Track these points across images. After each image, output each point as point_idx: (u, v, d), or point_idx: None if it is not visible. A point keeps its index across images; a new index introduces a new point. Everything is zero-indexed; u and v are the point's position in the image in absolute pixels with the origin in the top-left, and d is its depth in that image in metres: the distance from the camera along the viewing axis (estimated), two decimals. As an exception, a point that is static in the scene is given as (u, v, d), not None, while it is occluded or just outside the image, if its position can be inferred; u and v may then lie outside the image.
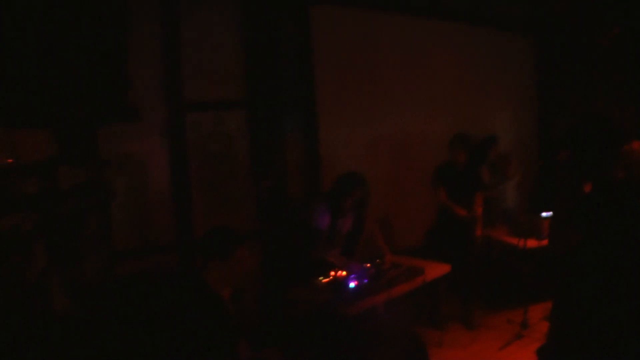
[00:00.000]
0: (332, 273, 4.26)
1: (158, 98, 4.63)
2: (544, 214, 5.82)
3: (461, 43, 6.90)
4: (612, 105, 6.68)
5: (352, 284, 4.03)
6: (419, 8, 6.40)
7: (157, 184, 4.68)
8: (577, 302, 2.89)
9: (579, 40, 7.35)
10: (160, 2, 4.59)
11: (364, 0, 5.90)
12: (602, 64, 7.12)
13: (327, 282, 4.17)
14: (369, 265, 4.45)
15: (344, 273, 4.25)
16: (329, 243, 4.58)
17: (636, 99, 6.63)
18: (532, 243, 5.40)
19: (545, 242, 5.55)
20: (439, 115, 6.61)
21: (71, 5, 3.74)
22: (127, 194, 4.53)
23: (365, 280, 4.13)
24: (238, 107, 5.08)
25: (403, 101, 6.30)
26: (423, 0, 6.46)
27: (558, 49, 7.70)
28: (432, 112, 6.57)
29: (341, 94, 5.75)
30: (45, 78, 3.83)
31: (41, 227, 2.85)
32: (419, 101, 6.45)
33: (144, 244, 4.57)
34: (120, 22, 4.20)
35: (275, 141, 5.22)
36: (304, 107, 5.43)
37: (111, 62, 4.26)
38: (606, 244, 2.77)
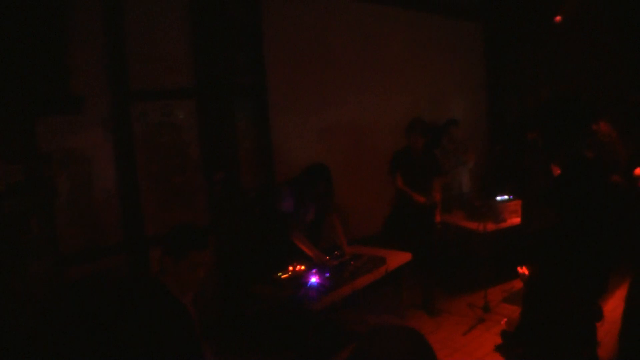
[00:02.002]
0: (291, 268, 4.13)
1: (102, 88, 4.35)
2: (499, 198, 5.86)
3: (413, 29, 6.87)
4: (563, 86, 6.77)
5: (313, 279, 3.90)
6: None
7: (102, 180, 4.40)
8: (553, 280, 2.87)
9: (524, 24, 7.44)
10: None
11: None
12: (548, 46, 7.22)
13: (287, 277, 4.03)
14: (328, 258, 4.35)
15: (303, 267, 4.13)
16: (298, 226, 4.44)
17: (585, 80, 6.73)
18: (490, 227, 5.41)
19: (502, 225, 5.62)
20: (394, 101, 6.55)
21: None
22: (70, 192, 4.23)
23: (327, 274, 4.01)
24: (187, 96, 4.85)
25: (357, 87, 6.21)
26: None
27: (505, 34, 7.79)
28: (387, 98, 6.51)
29: (293, 81, 5.59)
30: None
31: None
32: (373, 87, 6.37)
33: (92, 246, 4.29)
34: (59, 6, 3.89)
35: (226, 131, 5.02)
36: (254, 95, 5.24)
37: (49, 48, 3.97)
38: (580, 223, 2.75)
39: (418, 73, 6.94)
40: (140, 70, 4.54)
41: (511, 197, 5.92)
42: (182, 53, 4.80)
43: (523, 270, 3.28)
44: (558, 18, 6.94)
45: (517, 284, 5.70)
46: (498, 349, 4.46)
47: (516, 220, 5.80)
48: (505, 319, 4.57)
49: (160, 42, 4.67)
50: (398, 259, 4.68)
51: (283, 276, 4.06)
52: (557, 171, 3.00)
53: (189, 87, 4.85)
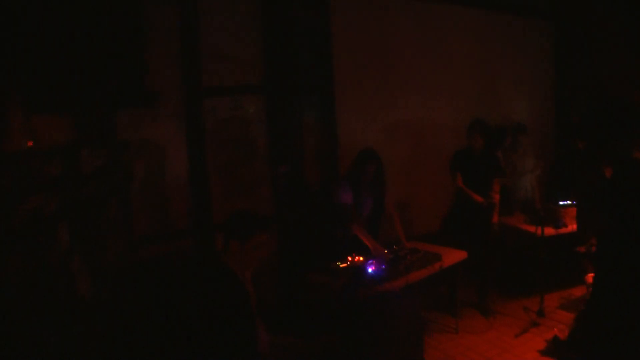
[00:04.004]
0: (350, 258, 4.26)
1: (176, 83, 4.65)
2: (561, 203, 5.79)
3: (478, 28, 6.85)
4: (632, 89, 6.58)
5: (370, 269, 4.04)
6: (438, -7, 6.35)
7: (174, 168, 4.70)
8: (615, 284, 2.88)
9: (595, 25, 7.26)
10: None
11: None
12: (618, 48, 7.03)
13: (345, 267, 4.17)
14: (386, 251, 4.46)
15: (361, 258, 4.26)
16: (356, 219, 4.59)
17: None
18: (549, 231, 5.37)
19: (562, 230, 5.54)
20: (457, 101, 6.57)
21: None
22: (145, 178, 4.55)
23: (384, 266, 4.13)
24: (256, 92, 5.08)
25: (421, 87, 6.28)
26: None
27: (575, 35, 7.61)
28: (450, 98, 6.54)
29: (359, 79, 5.73)
30: (63, 63, 3.86)
31: (64, 209, 2.86)
32: (436, 87, 6.42)
33: (163, 229, 4.59)
34: (137, 7, 4.21)
35: (292, 126, 5.21)
36: (321, 92, 5.42)
37: (128, 46, 4.30)
38: (635, 225, 2.77)
39: (483, 73, 6.93)
40: (212, 68, 4.80)
41: (574, 202, 5.83)
42: (252, 52, 5.03)
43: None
44: None
45: (576, 292, 5.63)
46: (548, 353, 4.45)
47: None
48: (556, 329, 4.56)
49: (231, 41, 4.91)
50: (454, 256, 4.74)
51: (341, 265, 4.20)
52: (608, 175, 3.00)
53: (258, 84, 5.08)
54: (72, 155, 3.30)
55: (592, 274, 3.30)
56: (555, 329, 4.52)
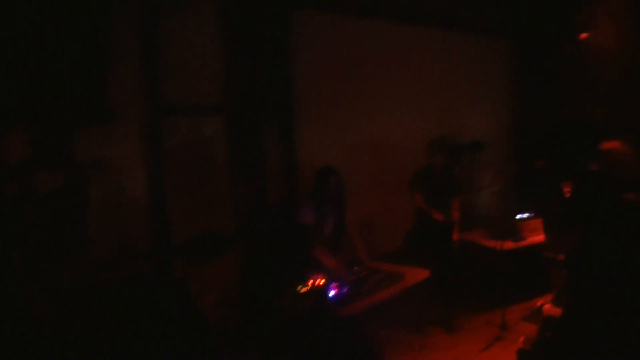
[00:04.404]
0: (310, 282, 4.23)
1: (135, 101, 4.53)
2: (519, 216, 5.90)
3: (439, 48, 6.96)
4: (587, 107, 6.77)
5: (331, 293, 4.01)
6: (398, 13, 6.42)
7: (133, 189, 4.57)
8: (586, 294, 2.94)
9: (551, 44, 7.47)
10: (139, 3, 4.50)
11: (344, 5, 5.88)
12: (573, 67, 7.24)
13: (306, 291, 4.13)
14: (348, 272, 4.44)
15: (323, 281, 4.22)
16: (318, 239, 4.55)
17: (610, 99, 6.74)
18: (509, 245, 5.46)
19: (521, 243, 5.65)
20: (418, 120, 6.64)
21: (46, 5, 3.64)
22: (102, 199, 4.40)
23: (345, 289, 4.11)
24: (216, 110, 5.01)
25: (383, 106, 6.31)
26: (401, 6, 6.48)
27: (532, 54, 7.82)
28: (412, 117, 6.60)
29: (321, 98, 5.73)
30: (17, 79, 3.73)
31: (19, 231, 2.76)
32: (398, 105, 6.47)
33: (121, 252, 4.46)
34: (98, 23, 4.11)
35: (253, 146, 5.16)
36: (282, 112, 5.38)
37: (87, 63, 4.18)
38: (602, 236, 2.82)
39: (443, 92, 7.02)
40: (172, 86, 4.71)
41: (531, 215, 5.96)
42: (213, 69, 4.97)
43: None
44: (584, 35, 6.96)
45: (537, 303, 5.71)
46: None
47: (536, 238, 5.83)
48: (523, 337, 4.59)
49: (192, 59, 4.84)
50: (416, 275, 4.75)
51: (302, 289, 4.16)
52: (567, 189, 3.07)
53: (218, 103, 5.01)
54: (27, 176, 3.19)
55: (548, 305, 3.37)
56: (520, 341, 4.56)
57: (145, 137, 4.60)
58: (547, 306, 3.63)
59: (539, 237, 5.83)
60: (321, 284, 4.19)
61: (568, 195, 3.08)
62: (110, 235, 4.44)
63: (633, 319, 2.96)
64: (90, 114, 4.27)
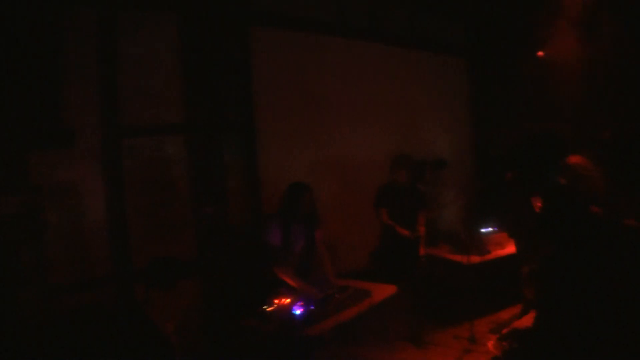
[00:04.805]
0: (276, 301, 4.17)
1: (93, 122, 4.46)
2: (483, 230, 5.96)
3: (399, 66, 7.03)
4: (548, 122, 6.92)
5: (297, 311, 3.95)
6: (358, 31, 6.49)
7: (92, 212, 4.47)
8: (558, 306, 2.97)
9: (509, 61, 7.64)
10: (96, 22, 4.44)
11: (304, 22, 5.91)
12: (532, 84, 7.41)
13: (272, 310, 4.07)
14: (315, 290, 4.39)
15: (289, 300, 4.16)
16: (284, 259, 4.47)
17: (569, 115, 6.91)
18: (475, 258, 5.50)
19: (487, 257, 5.70)
20: (381, 137, 6.67)
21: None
22: (60, 223, 4.29)
23: (312, 307, 4.06)
24: (177, 131, 4.95)
25: (344, 123, 6.33)
26: (361, 23, 6.55)
27: (489, 70, 7.98)
28: (374, 133, 6.63)
29: (282, 116, 5.71)
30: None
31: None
32: (360, 123, 6.49)
33: (80, 277, 4.33)
34: (53, 43, 4.03)
35: (214, 166, 5.10)
36: (243, 131, 5.33)
37: (41, 84, 4.08)
38: (572, 249, 2.87)
39: (405, 109, 7.08)
40: (131, 106, 4.65)
41: (495, 229, 6.02)
42: (173, 89, 4.92)
43: None
44: (541, 53, 7.15)
45: (504, 315, 5.77)
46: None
47: (501, 252, 5.89)
48: (491, 342, 4.59)
49: (151, 79, 4.78)
50: (383, 291, 4.72)
51: (268, 309, 4.09)
52: (537, 203, 3.11)
53: (179, 123, 4.95)
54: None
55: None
56: (489, 345, 4.56)
57: (105, 158, 4.52)
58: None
59: (504, 251, 5.90)
60: (287, 303, 4.12)
61: (538, 209, 3.13)
62: (69, 260, 4.32)
63: (603, 328, 3.00)
64: (46, 136, 4.16)
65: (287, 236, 4.49)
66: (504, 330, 3.39)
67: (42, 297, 3.76)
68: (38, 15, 3.90)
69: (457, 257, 5.62)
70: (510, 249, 5.80)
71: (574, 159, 3.94)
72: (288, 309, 4.01)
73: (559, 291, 3.00)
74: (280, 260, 4.41)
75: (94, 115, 4.47)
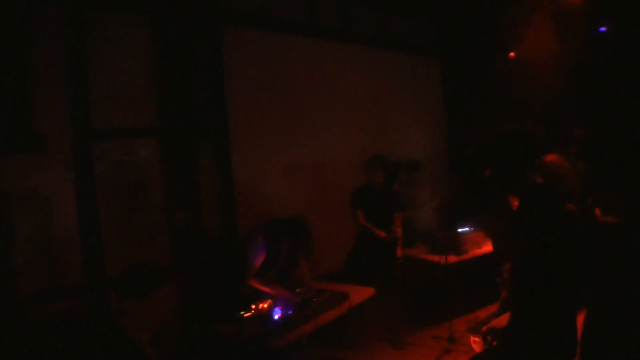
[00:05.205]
0: (254, 306, 4.12)
1: (63, 126, 4.32)
2: (460, 230, 5.98)
3: (372, 66, 7.04)
4: (521, 122, 7.00)
5: (276, 316, 3.91)
6: (331, 31, 6.46)
7: (63, 219, 4.33)
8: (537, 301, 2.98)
9: (481, 62, 7.71)
10: (64, 24, 4.31)
11: (276, 22, 5.85)
12: (505, 84, 7.49)
13: (250, 315, 4.01)
14: (292, 294, 4.35)
15: (266, 305, 4.12)
16: (262, 274, 4.40)
17: (539, 114, 7.01)
18: (452, 259, 5.52)
19: (464, 256, 5.73)
20: (355, 138, 6.66)
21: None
22: (30, 231, 4.15)
23: (290, 311, 4.02)
24: (149, 134, 4.84)
25: (318, 124, 6.30)
26: (334, 24, 6.52)
27: (462, 70, 8.05)
28: (348, 135, 6.61)
29: (255, 118, 5.64)
30: None
31: None
32: (335, 125, 6.47)
33: (52, 286, 4.20)
34: (19, 44, 3.90)
35: (188, 170, 5.00)
36: (216, 133, 5.26)
37: (9, 86, 3.95)
38: (548, 242, 2.89)
39: (378, 110, 7.09)
40: (102, 109, 4.53)
41: (472, 228, 6.05)
42: (144, 92, 4.81)
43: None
44: (512, 54, 7.24)
45: (481, 314, 5.80)
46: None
47: (478, 251, 5.93)
48: (474, 338, 4.60)
49: (122, 81, 4.67)
50: (361, 294, 4.71)
51: (246, 314, 4.04)
52: (515, 202, 3.12)
53: (151, 126, 4.85)
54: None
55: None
56: (472, 341, 4.57)
57: (75, 163, 4.39)
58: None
59: (481, 250, 5.93)
60: (265, 307, 4.08)
61: (515, 208, 3.15)
62: (39, 268, 4.18)
63: (576, 325, 3.03)
64: (14, 140, 4.03)
65: (269, 255, 4.41)
66: (484, 328, 3.39)
67: (10, 307, 3.64)
68: (3, 15, 3.78)
69: (434, 258, 5.63)
70: (487, 248, 5.85)
71: (550, 158, 3.99)
72: (266, 313, 3.97)
73: (533, 289, 3.02)
74: (256, 275, 4.34)
75: (63, 119, 4.33)
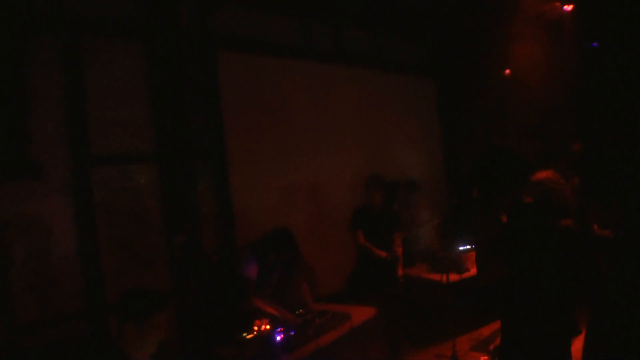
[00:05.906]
0: (256, 328, 4.09)
1: (62, 153, 4.36)
2: (460, 248, 5.96)
3: (367, 87, 7.11)
4: (514, 140, 7.04)
5: (278, 337, 3.88)
6: (324, 54, 6.54)
7: (62, 246, 4.34)
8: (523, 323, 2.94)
9: (475, 82, 7.78)
10: (62, 52, 4.37)
11: (270, 47, 5.93)
12: (498, 103, 7.55)
13: (252, 337, 3.99)
14: (294, 316, 4.33)
15: (268, 327, 4.09)
16: (260, 291, 4.40)
17: (534, 133, 7.04)
18: (453, 277, 5.50)
19: (465, 275, 5.69)
20: (352, 159, 6.70)
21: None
22: (29, 258, 4.16)
23: (292, 332, 3.99)
24: (147, 160, 4.88)
25: (315, 147, 6.34)
26: (327, 47, 6.60)
27: (456, 89, 8.12)
28: (345, 156, 6.65)
29: (252, 141, 5.69)
30: None
31: None
32: (331, 146, 6.51)
33: (51, 313, 4.19)
34: (17, 73, 3.95)
35: (186, 194, 5.03)
36: (214, 157, 5.30)
37: (8, 114, 3.99)
38: (532, 266, 2.85)
39: (374, 130, 7.13)
40: (100, 136, 4.58)
41: (472, 246, 6.03)
42: (142, 118, 4.86)
43: None
44: (508, 71, 7.30)
45: (485, 332, 5.76)
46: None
47: (479, 269, 5.89)
48: (482, 358, 4.56)
49: (120, 108, 4.72)
50: (362, 314, 4.68)
51: (248, 336, 4.01)
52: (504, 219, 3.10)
53: (150, 152, 4.89)
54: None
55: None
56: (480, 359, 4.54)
57: (74, 190, 4.42)
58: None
59: (479, 268, 5.90)
60: (267, 329, 4.05)
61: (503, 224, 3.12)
62: (38, 296, 4.18)
63: (568, 344, 2.98)
64: (13, 168, 4.06)
65: (261, 271, 4.42)
66: (492, 346, 3.36)
67: (9, 334, 3.63)
68: (1, 45, 3.83)
69: (436, 277, 5.60)
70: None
71: (544, 174, 3.98)
72: (268, 335, 3.94)
73: (517, 316, 2.98)
74: (256, 291, 4.34)
75: (62, 146, 4.37)
